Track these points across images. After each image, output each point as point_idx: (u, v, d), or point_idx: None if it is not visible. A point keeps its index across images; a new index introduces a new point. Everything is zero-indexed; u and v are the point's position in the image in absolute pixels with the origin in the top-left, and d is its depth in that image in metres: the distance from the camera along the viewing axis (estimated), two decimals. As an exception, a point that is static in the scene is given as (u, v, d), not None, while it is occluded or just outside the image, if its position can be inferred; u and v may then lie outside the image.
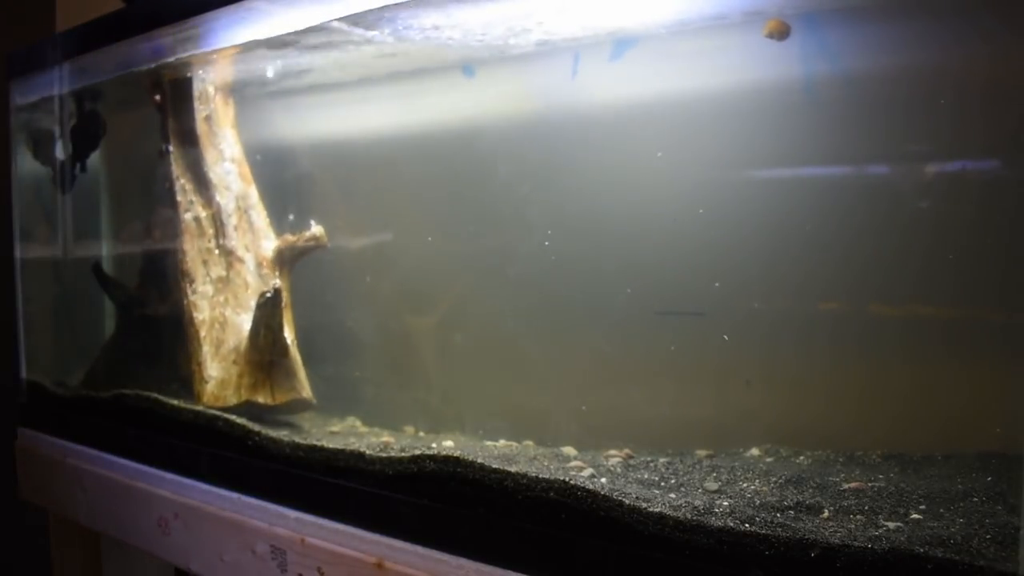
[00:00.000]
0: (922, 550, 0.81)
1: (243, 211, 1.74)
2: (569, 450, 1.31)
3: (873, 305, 1.22)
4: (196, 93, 1.75)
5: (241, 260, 1.70)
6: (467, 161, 1.62)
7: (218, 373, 1.62)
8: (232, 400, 1.58)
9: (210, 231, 1.73)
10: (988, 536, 0.85)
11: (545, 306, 1.52)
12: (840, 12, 1.24)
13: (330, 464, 1.28)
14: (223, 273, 1.70)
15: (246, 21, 1.48)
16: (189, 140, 1.76)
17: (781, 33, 1.23)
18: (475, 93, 1.65)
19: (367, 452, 1.25)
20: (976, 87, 1.14)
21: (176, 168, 1.77)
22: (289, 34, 1.49)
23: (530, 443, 1.42)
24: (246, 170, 1.79)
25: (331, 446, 1.31)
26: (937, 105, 1.17)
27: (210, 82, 1.77)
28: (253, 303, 1.61)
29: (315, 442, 1.33)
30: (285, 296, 1.60)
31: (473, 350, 1.64)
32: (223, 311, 1.67)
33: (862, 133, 1.23)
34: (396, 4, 1.28)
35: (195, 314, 1.67)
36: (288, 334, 1.59)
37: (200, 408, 1.58)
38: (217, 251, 1.71)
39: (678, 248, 1.37)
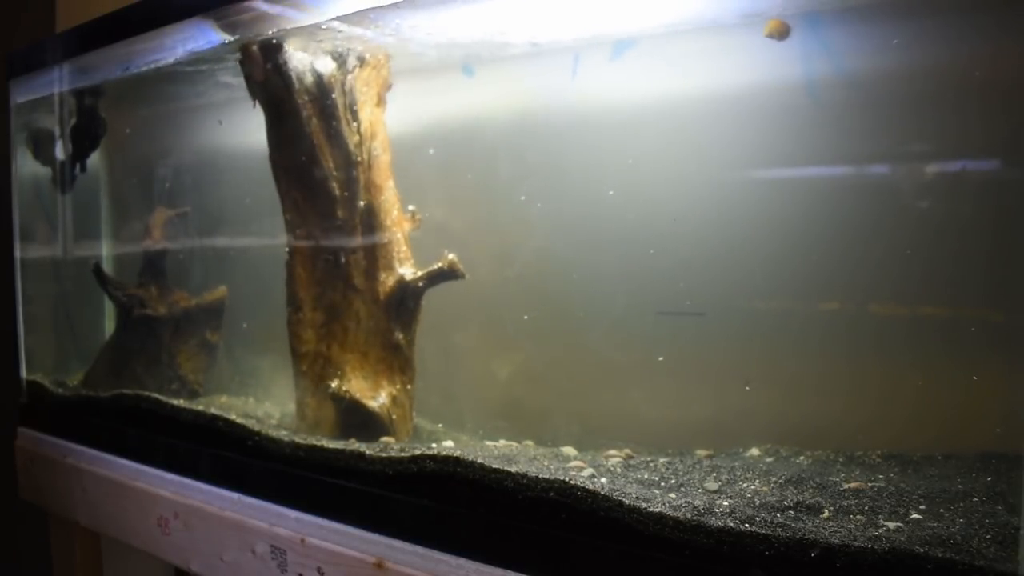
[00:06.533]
0: (922, 550, 0.82)
1: (366, 227, 1.45)
2: (569, 450, 1.31)
3: (873, 305, 1.22)
4: (305, 80, 1.41)
5: (356, 290, 1.45)
6: (472, 155, 1.62)
7: (314, 413, 1.48)
8: (328, 439, 1.41)
9: (328, 248, 1.46)
10: (988, 536, 0.85)
11: (545, 306, 1.52)
12: (840, 12, 1.24)
13: (330, 464, 1.28)
14: (337, 300, 1.46)
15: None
16: (296, 142, 1.43)
17: (781, 33, 1.23)
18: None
19: (367, 452, 1.25)
20: (977, 86, 1.14)
21: (283, 180, 1.48)
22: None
23: (530, 443, 1.42)
24: (377, 176, 1.46)
25: (331, 446, 1.31)
26: (938, 104, 1.17)
27: (323, 63, 1.42)
28: (363, 343, 1.44)
29: (315, 442, 1.33)
30: (403, 341, 1.45)
31: (474, 350, 1.64)
32: (329, 345, 1.46)
33: (863, 133, 1.23)
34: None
35: (296, 345, 1.49)
36: (389, 389, 1.44)
37: (200, 408, 1.58)
38: (334, 275, 1.46)
39: (678, 247, 1.37)
